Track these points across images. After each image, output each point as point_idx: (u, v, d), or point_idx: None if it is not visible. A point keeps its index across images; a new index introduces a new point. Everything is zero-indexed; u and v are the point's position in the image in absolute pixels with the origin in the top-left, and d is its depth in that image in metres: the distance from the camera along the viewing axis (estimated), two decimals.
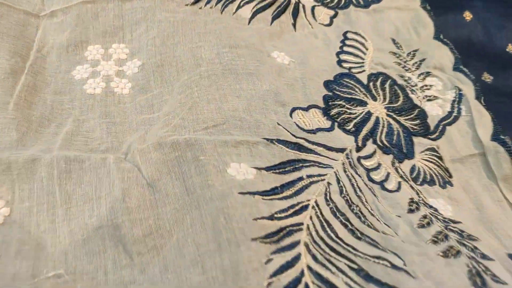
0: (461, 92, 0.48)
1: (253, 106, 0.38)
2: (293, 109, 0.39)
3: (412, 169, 0.39)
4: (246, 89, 0.39)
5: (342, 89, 0.44)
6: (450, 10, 0.57)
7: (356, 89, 0.45)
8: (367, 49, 0.50)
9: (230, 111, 0.37)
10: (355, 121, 0.41)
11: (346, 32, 0.51)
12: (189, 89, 0.39)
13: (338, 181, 0.34)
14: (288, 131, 0.37)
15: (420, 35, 0.53)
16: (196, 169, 0.31)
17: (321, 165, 0.35)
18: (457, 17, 0.56)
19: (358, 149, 0.38)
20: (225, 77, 0.40)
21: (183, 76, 0.41)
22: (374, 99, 0.44)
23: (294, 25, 0.50)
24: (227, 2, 0.49)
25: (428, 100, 0.47)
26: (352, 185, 0.34)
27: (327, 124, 0.39)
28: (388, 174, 0.37)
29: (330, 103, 0.41)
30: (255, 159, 0.33)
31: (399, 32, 0.53)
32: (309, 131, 0.38)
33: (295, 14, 0.51)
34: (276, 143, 0.35)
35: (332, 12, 0.54)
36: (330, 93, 0.43)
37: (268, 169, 0.33)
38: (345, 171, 0.35)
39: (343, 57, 0.48)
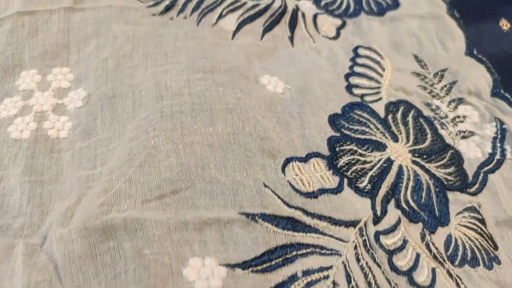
0: (503, 126, 0.37)
1: (231, 159, 0.28)
2: (287, 161, 0.29)
3: (448, 242, 0.29)
4: (222, 134, 0.29)
5: (353, 127, 0.33)
6: (483, 18, 0.46)
7: (371, 125, 0.34)
8: (383, 69, 0.39)
9: (198, 169, 0.26)
10: (370, 173, 0.30)
11: (357, 48, 0.41)
12: (145, 134, 0.28)
13: (349, 278, 0.24)
14: (279, 197, 0.27)
15: (449, 50, 0.42)
16: (136, 271, 0.21)
17: (324, 252, 0.24)
18: (493, 27, 0.46)
19: (377, 220, 0.28)
20: (194, 115, 0.29)
21: (140, 112, 0.30)
22: (395, 139, 0.34)
23: (291, 38, 0.40)
24: (206, 11, 0.39)
25: (463, 137, 0.36)
26: (369, 284, 0.24)
27: (333, 181, 0.29)
28: (417, 257, 0.27)
29: (337, 149, 0.31)
30: (228, 249, 0.23)
31: (423, 46, 0.42)
32: (308, 195, 0.27)
33: (292, 25, 0.41)
34: (261, 220, 0.25)
35: (339, 22, 0.43)
36: (337, 134, 0.32)
37: (246, 265, 0.23)
38: (358, 260, 0.25)
39: (354, 80, 0.38)
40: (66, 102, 0.32)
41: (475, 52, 0.43)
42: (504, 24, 0.46)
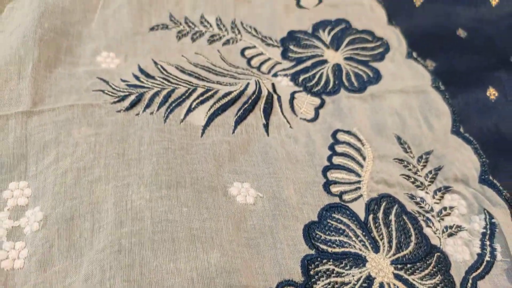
0: (493, 220, 0.35)
1: None
2: None
3: None
4: (184, 271, 0.27)
5: (331, 237, 0.31)
6: (469, 87, 0.44)
7: (351, 233, 0.32)
8: (364, 158, 0.37)
9: None
10: None
11: (336, 132, 0.39)
12: (101, 273, 0.26)
13: None
14: None
15: (434, 129, 0.40)
16: None
17: None
18: (480, 97, 0.44)
19: None
20: (154, 248, 0.27)
21: (98, 239, 0.28)
22: (376, 248, 0.32)
23: (266, 126, 0.38)
24: (174, 105, 0.36)
25: (450, 235, 0.34)
26: None
27: None
28: None
29: (312, 272, 0.29)
30: None
31: (406, 125, 0.40)
32: None
33: (267, 111, 0.39)
34: None
35: (317, 101, 0.41)
36: (312, 251, 0.30)
37: None
38: None
39: (333, 175, 0.35)
40: (23, 224, 0.30)
41: (461, 130, 0.41)
42: (491, 93, 0.44)
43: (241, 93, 0.39)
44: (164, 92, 0.37)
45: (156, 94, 0.37)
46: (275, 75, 0.43)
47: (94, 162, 0.32)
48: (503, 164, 0.39)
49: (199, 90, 0.38)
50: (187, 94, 0.37)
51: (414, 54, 0.47)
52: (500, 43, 0.51)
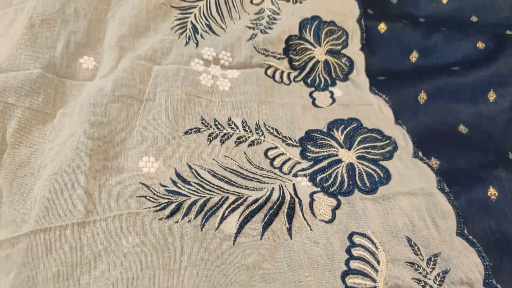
0: None
1: None
2: None
3: None
4: None
5: None
6: (470, 187, 0.49)
7: None
8: (378, 262, 0.41)
9: None
10: None
11: (352, 235, 0.43)
12: None
13: None
14: None
15: (440, 230, 0.45)
16: None
17: None
18: (482, 198, 0.48)
19: None
20: None
21: None
22: None
23: (289, 230, 0.42)
24: (209, 213, 0.41)
25: None
26: None
27: None
28: None
29: None
30: None
31: (415, 226, 0.44)
32: None
33: (290, 215, 0.43)
34: None
35: (334, 202, 0.46)
36: None
37: None
38: None
39: (350, 280, 0.39)
40: None
41: (466, 231, 0.45)
42: (492, 194, 0.49)
43: (267, 199, 0.43)
44: (201, 201, 0.42)
45: (194, 203, 0.41)
46: (295, 175, 0.48)
47: (141, 273, 0.36)
48: (506, 264, 0.43)
49: (231, 198, 0.42)
50: (220, 203, 0.42)
51: (420, 153, 0.52)
52: (499, 139, 0.56)
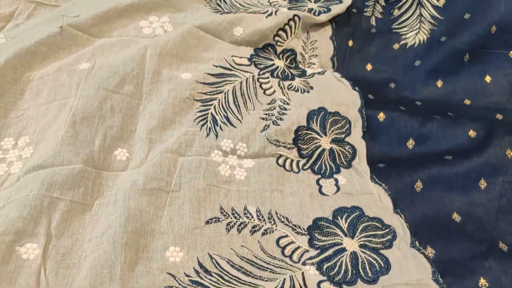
0: None
1: None
2: None
3: None
4: None
5: None
6: (463, 278, 0.54)
7: None
8: None
9: None
10: None
11: None
12: None
13: None
14: None
15: None
16: None
17: None
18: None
19: None
20: None
21: None
22: None
23: None
24: None
25: None
26: None
27: None
28: None
29: None
30: None
31: None
32: None
33: None
34: None
35: None
36: None
37: None
38: None
39: None
40: None
41: None
42: (483, 284, 0.53)
43: None
44: None
45: None
46: (304, 263, 0.53)
47: None
48: None
49: None
50: None
51: (417, 243, 0.57)
52: (490, 227, 0.61)
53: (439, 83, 0.88)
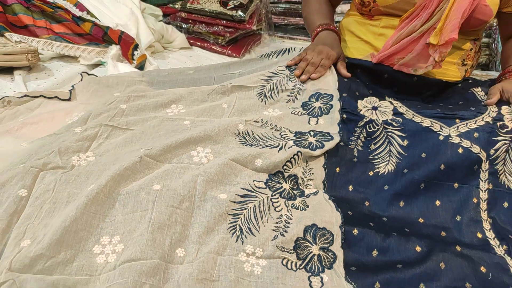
0: None
1: None
2: None
3: None
4: None
5: None
6: None
7: None
8: None
9: None
10: None
11: None
12: None
13: None
14: None
15: None
16: None
17: None
18: None
19: None
20: None
21: None
22: None
23: None
24: None
25: None
26: None
27: None
28: None
29: None
30: None
31: None
32: None
33: None
34: None
35: None
36: None
37: None
38: None
39: None
40: None
41: None
42: None
43: None
44: None
45: None
46: None
47: None
48: None
49: None
50: None
51: None
52: None
53: (401, 203, 1.21)
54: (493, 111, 1.37)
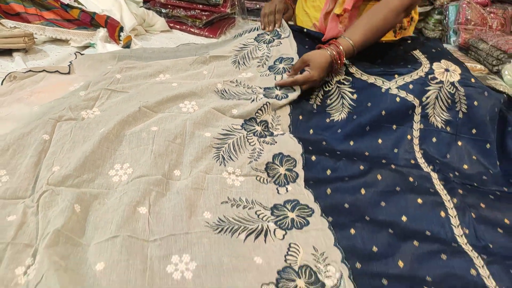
0: None
1: None
2: None
3: None
4: None
5: None
6: None
7: None
8: None
9: None
10: None
11: None
12: None
13: None
14: None
15: None
16: None
17: None
18: None
19: None
20: None
21: None
22: None
23: None
24: None
25: None
26: None
27: None
28: None
29: None
30: None
31: None
32: None
33: None
34: None
35: None
36: None
37: None
38: None
39: None
40: None
41: None
42: None
43: None
44: None
45: None
46: (266, 221, 1.11)
47: None
48: None
49: None
50: None
51: (324, 215, 1.16)
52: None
53: (351, 143, 1.50)
54: (426, 67, 1.68)
